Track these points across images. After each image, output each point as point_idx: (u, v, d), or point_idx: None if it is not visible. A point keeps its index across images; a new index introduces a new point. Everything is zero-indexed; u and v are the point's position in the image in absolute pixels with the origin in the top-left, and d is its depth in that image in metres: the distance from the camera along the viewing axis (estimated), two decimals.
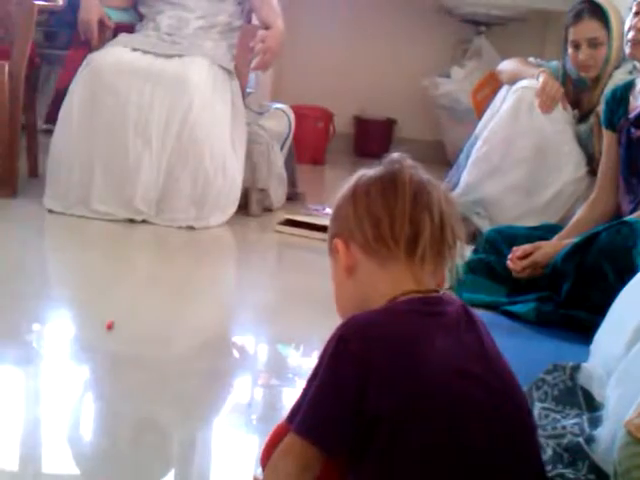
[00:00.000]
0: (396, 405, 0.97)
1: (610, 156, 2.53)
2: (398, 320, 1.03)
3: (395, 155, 1.12)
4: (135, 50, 3.18)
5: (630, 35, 2.34)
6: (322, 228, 3.02)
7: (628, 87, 2.49)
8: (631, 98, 2.44)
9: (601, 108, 2.66)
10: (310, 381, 1.03)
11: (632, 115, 2.41)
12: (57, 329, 2.06)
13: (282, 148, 3.50)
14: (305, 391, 1.02)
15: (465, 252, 1.12)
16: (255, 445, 1.52)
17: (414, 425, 0.97)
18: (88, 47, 3.29)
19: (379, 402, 0.97)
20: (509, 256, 2.40)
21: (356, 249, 1.09)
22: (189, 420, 1.63)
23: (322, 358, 1.02)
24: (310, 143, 4.51)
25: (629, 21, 2.37)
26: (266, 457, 1.09)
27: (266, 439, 1.12)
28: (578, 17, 2.93)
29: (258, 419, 1.66)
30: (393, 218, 1.06)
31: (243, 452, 1.53)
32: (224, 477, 1.47)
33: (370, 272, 1.08)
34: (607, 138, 2.54)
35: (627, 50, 2.40)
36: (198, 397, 1.72)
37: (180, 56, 3.16)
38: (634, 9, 2.35)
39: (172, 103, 3.04)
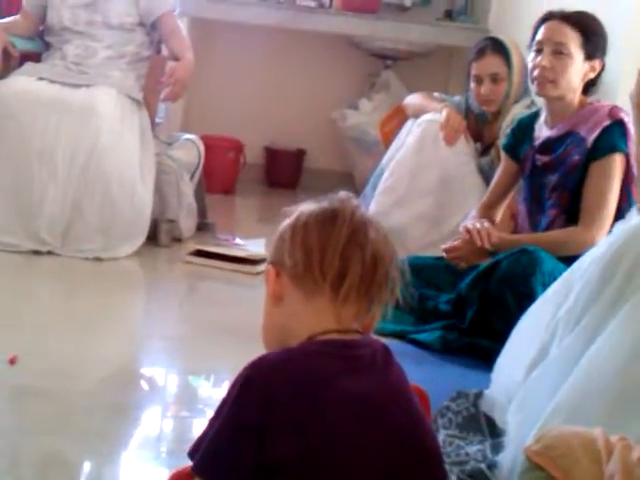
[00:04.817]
0: (298, 452, 0.98)
1: (504, 176, 2.66)
2: (307, 364, 1.04)
3: (342, 193, 1.14)
4: (41, 79, 3.14)
5: (535, 73, 2.43)
6: (232, 259, 3.04)
7: (533, 118, 2.59)
8: (536, 128, 2.54)
9: (500, 142, 2.78)
10: (214, 418, 1.02)
11: (537, 143, 2.51)
12: None
13: (192, 178, 3.49)
14: (208, 428, 1.02)
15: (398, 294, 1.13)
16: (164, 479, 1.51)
17: (316, 472, 0.98)
18: None
19: (281, 448, 0.98)
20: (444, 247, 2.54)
21: (286, 279, 1.10)
22: (96, 456, 1.60)
23: (228, 396, 1.02)
24: (221, 173, 4.51)
25: (532, 60, 2.46)
26: None
27: None
28: (481, 53, 3.04)
29: (168, 452, 1.65)
30: (324, 252, 1.07)
31: None
32: None
33: (295, 303, 1.09)
34: (505, 161, 2.67)
35: (534, 88, 2.50)
36: (105, 431, 1.69)
37: (87, 86, 3.13)
38: (535, 47, 2.44)
39: (79, 133, 3.01)
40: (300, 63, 4.93)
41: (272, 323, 1.14)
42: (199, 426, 1.75)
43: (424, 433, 1.08)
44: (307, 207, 1.13)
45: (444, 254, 2.56)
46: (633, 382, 1.32)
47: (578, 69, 2.41)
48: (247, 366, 1.03)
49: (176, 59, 3.33)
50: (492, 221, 2.62)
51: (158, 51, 3.50)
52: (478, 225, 2.49)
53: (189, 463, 1.06)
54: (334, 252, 1.07)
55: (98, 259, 2.98)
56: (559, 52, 2.39)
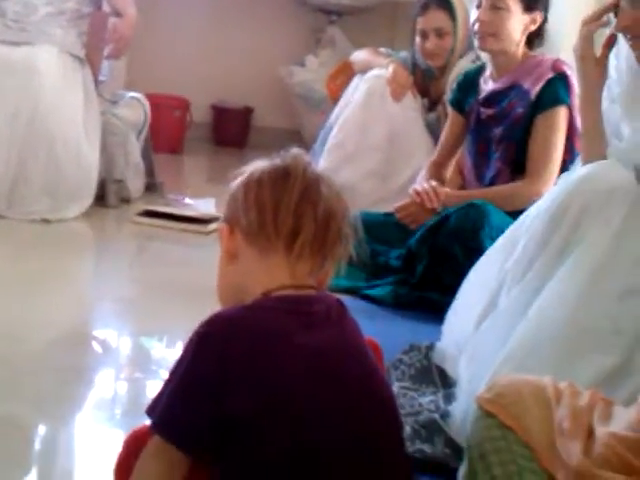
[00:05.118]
0: (255, 407, 0.99)
1: (452, 131, 2.68)
2: (263, 320, 1.04)
3: (294, 150, 1.14)
4: None
5: (476, 27, 2.45)
6: (181, 218, 3.01)
7: (478, 72, 2.62)
8: (481, 82, 2.57)
9: (447, 97, 2.80)
10: (170, 377, 1.03)
11: (482, 96, 2.54)
12: None
13: (138, 138, 3.45)
14: (165, 386, 1.03)
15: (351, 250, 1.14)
16: (120, 440, 1.50)
17: (273, 427, 0.99)
18: None
19: (238, 404, 0.99)
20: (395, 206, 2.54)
21: (240, 236, 1.10)
22: (49, 419, 1.60)
23: (184, 354, 1.02)
24: (167, 132, 4.45)
25: (474, 14, 2.47)
26: (122, 469, 1.08)
27: (120, 451, 1.11)
28: (425, 8, 3.04)
29: (122, 414, 1.65)
30: (278, 209, 1.07)
31: (107, 449, 1.51)
32: (88, 476, 1.45)
33: (250, 260, 1.10)
34: (452, 116, 2.69)
35: (476, 42, 2.52)
36: (58, 395, 1.68)
37: (28, 44, 3.07)
38: (476, 2, 2.46)
39: (21, 92, 2.95)
40: (246, 19, 4.86)
41: (227, 281, 1.14)
42: (153, 387, 1.75)
43: (379, 384, 1.10)
44: (260, 164, 1.13)
45: (395, 213, 2.57)
46: (580, 330, 1.35)
47: (517, 21, 2.44)
48: (202, 323, 1.03)
49: (118, 15, 3.27)
50: (442, 180, 2.64)
51: (99, 7, 3.42)
52: (427, 186, 2.52)
53: (145, 423, 1.06)
54: (287, 209, 1.07)
55: (46, 221, 2.94)
56: (496, 6, 2.41)
